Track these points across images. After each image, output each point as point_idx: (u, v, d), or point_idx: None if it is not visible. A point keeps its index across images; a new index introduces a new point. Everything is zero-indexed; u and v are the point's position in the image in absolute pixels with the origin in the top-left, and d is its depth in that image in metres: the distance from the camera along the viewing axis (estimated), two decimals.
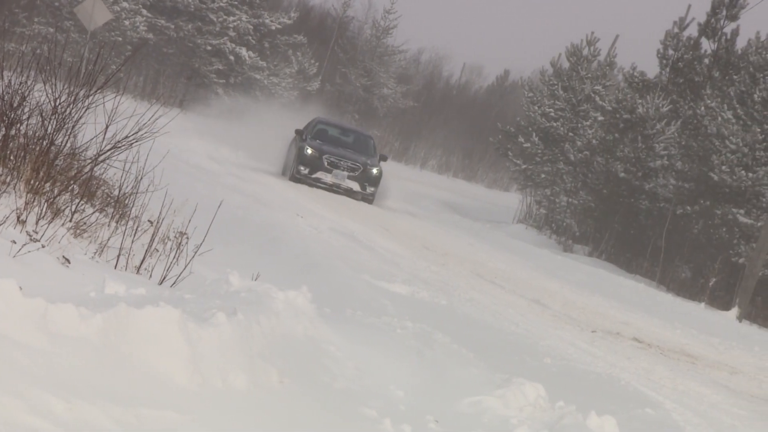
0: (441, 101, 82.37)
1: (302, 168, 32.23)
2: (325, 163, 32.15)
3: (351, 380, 8.29)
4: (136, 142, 10.24)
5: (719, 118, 34.50)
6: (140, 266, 9.98)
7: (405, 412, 7.96)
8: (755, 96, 34.24)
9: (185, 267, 9.90)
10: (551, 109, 46.40)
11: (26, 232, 8.86)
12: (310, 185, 32.08)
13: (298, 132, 34.13)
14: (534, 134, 46.06)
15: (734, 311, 27.89)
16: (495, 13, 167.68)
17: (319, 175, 32.12)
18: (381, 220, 27.61)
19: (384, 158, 33.95)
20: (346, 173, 32.09)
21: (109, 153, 10.43)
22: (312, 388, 7.73)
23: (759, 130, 33.77)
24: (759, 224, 32.10)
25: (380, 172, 32.70)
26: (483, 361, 10.66)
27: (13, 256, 7.88)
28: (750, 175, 33.42)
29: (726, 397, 13.13)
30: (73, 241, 9.61)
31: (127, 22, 53.19)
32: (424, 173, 67.09)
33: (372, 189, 32.33)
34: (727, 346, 18.98)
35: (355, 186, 32.13)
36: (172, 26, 57.21)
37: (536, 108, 46.93)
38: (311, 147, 32.45)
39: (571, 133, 44.83)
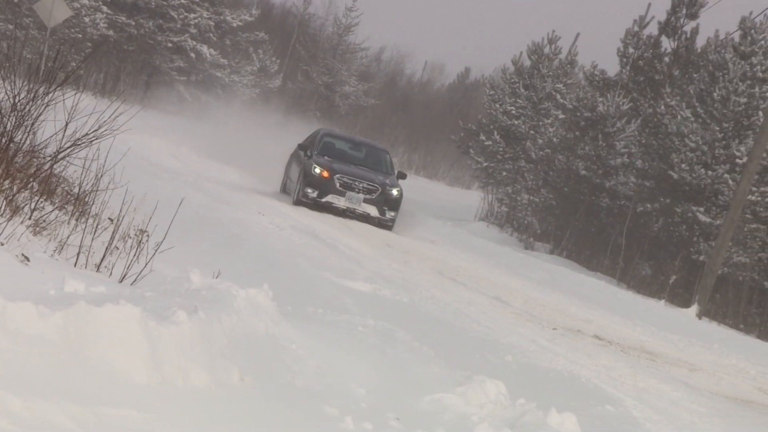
0: (403, 99, 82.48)
1: (309, 190, 27.47)
2: (337, 185, 27.47)
3: (312, 378, 8.28)
4: (96, 139, 10.18)
5: (678, 117, 34.71)
6: (100, 264, 9.93)
7: (366, 410, 7.96)
8: (714, 94, 34.46)
9: (146, 265, 9.86)
10: (512, 107, 46.53)
11: None
12: (320, 210, 27.60)
13: (301, 147, 29.67)
14: (495, 132, 46.17)
15: (694, 309, 28.07)
16: (457, 11, 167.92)
17: (330, 198, 27.43)
18: (343, 219, 27.60)
19: (403, 176, 29.39)
20: (361, 196, 27.47)
21: (69, 150, 10.36)
22: (273, 386, 7.71)
23: (718, 128, 34.00)
24: (718, 222, 32.32)
25: (401, 194, 28.09)
26: (444, 358, 10.68)
27: None
28: (709, 173, 33.64)
29: (685, 394, 13.21)
30: (33, 239, 9.55)
31: (87, 19, 52.88)
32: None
33: (392, 214, 27.72)
34: (687, 344, 19.10)
35: (373, 211, 27.51)
36: (133, 23, 56.92)
37: (497, 106, 47.04)
38: (319, 165, 27.73)
39: (532, 131, 44.99)
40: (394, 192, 27.85)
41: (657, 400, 12.22)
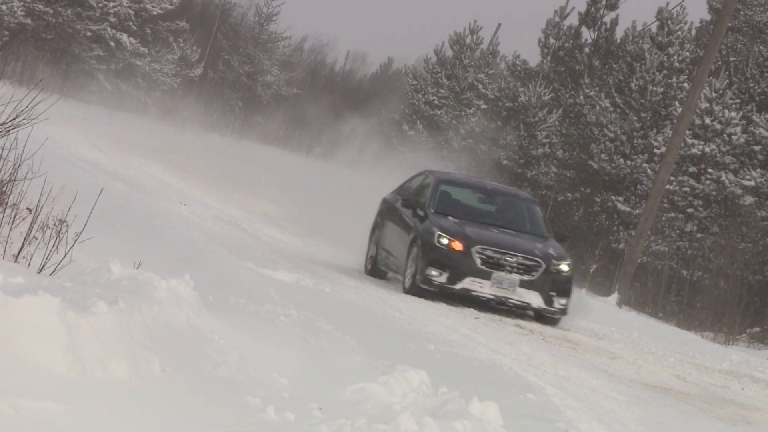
0: (325, 89, 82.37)
1: (434, 272, 18.24)
2: (477, 262, 18.40)
3: (234, 369, 8.25)
4: (14, 128, 10.06)
5: (597, 107, 35.07)
6: (18, 255, 9.82)
7: (289, 399, 7.95)
8: (632, 84, 34.87)
9: (65, 255, 9.76)
10: (435, 97, 46.72)
11: None
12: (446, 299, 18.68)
13: (405, 202, 20.16)
14: (418, 122, 46.32)
15: (614, 297, 28.36)
16: (378, 0, 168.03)
17: (467, 284, 18.30)
18: (265, 208, 27.52)
19: (562, 237, 20.54)
20: (516, 277, 18.38)
21: None
22: (194, 377, 7.67)
23: (636, 118, 34.42)
24: (637, 212, 32.71)
25: (572, 269, 19.19)
26: (366, 348, 10.70)
27: None
28: (628, 162, 34.04)
29: (605, 381, 13.34)
30: None
31: (4, 7, 52.19)
32: (309, 160, 67.05)
33: (563, 302, 18.60)
34: (607, 332, 19.29)
35: (535, 299, 18.44)
36: (51, 11, 56.25)
37: (420, 96, 47.21)
38: (445, 231, 18.63)
39: (454, 121, 45.20)
40: (564, 267, 18.90)
41: (577, 388, 12.33)
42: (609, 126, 34.38)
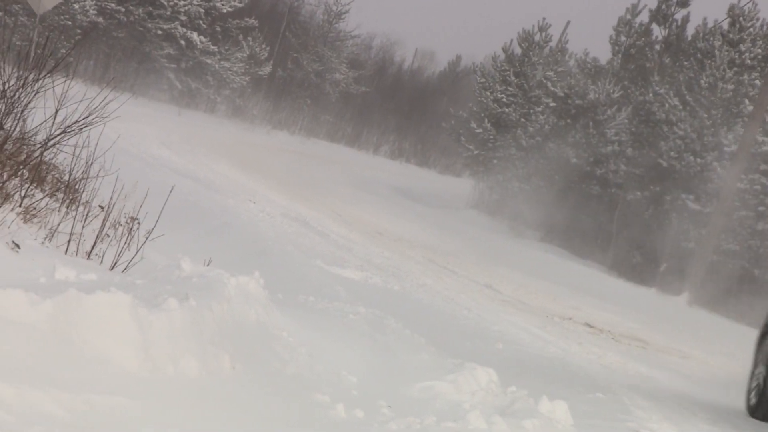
0: (393, 87, 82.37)
1: None
2: None
3: (303, 366, 8.27)
4: (86, 126, 10.14)
5: (667, 105, 34.74)
6: (91, 251, 9.90)
7: (358, 397, 7.95)
8: (702, 82, 34.48)
9: (136, 252, 9.83)
10: (503, 95, 46.51)
11: None
12: None
13: None
14: (486, 120, 46.16)
15: (685, 296, 28.10)
16: None
17: None
18: (333, 206, 27.56)
19: None
20: None
21: (59, 138, 10.32)
22: (264, 374, 7.70)
23: (706, 116, 34.02)
24: (707, 210, 32.35)
25: None
26: (435, 346, 10.68)
27: None
28: (698, 160, 33.66)
29: (675, 380, 13.23)
30: (23, 227, 9.51)
31: (76, 6, 52.72)
32: (377, 159, 67.13)
33: None
34: (678, 331, 19.14)
35: None
36: (122, 10, 56.74)
37: (488, 94, 47.03)
38: None
39: (523, 119, 44.99)
40: None
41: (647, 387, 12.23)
42: (679, 124, 34.06)
